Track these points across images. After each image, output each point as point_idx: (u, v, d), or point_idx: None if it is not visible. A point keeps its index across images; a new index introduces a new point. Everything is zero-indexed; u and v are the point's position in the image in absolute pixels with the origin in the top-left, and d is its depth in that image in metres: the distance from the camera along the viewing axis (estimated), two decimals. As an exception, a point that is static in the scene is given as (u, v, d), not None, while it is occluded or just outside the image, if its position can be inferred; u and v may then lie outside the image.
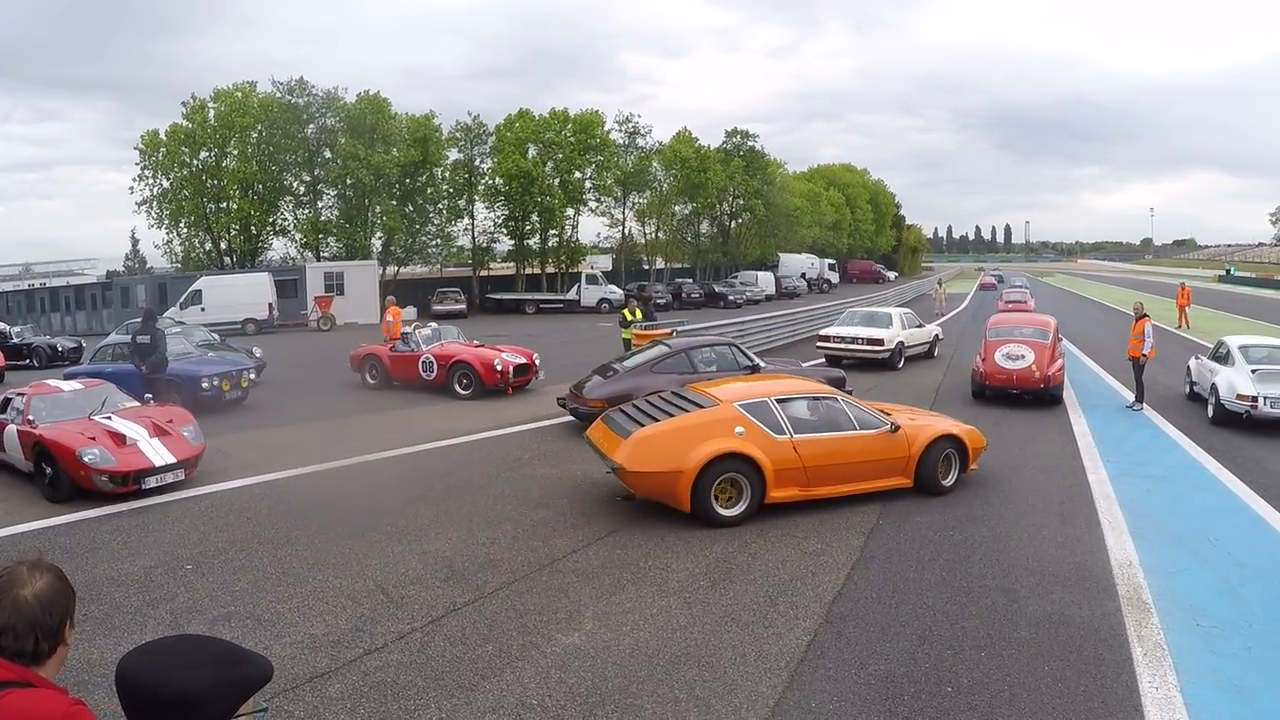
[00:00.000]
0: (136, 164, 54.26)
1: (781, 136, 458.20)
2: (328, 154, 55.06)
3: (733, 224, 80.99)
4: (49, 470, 11.73)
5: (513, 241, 63.82)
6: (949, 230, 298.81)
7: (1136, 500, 12.07)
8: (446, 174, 60.48)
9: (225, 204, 53.78)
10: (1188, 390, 20.58)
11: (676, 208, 74.25)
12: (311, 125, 54.75)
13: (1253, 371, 17.08)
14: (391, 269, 57.82)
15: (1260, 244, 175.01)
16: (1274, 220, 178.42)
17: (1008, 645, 7.44)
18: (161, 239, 55.55)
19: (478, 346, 22.33)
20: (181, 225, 54.38)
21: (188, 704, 2.01)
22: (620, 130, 68.62)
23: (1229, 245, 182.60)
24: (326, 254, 55.00)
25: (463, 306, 52.61)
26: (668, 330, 23.27)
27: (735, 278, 71.83)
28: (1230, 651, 7.38)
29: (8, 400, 13.27)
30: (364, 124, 53.57)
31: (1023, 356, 19.85)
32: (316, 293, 45.23)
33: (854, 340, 25.62)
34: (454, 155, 61.01)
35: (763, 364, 17.81)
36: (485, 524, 10.64)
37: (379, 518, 10.82)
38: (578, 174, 64.84)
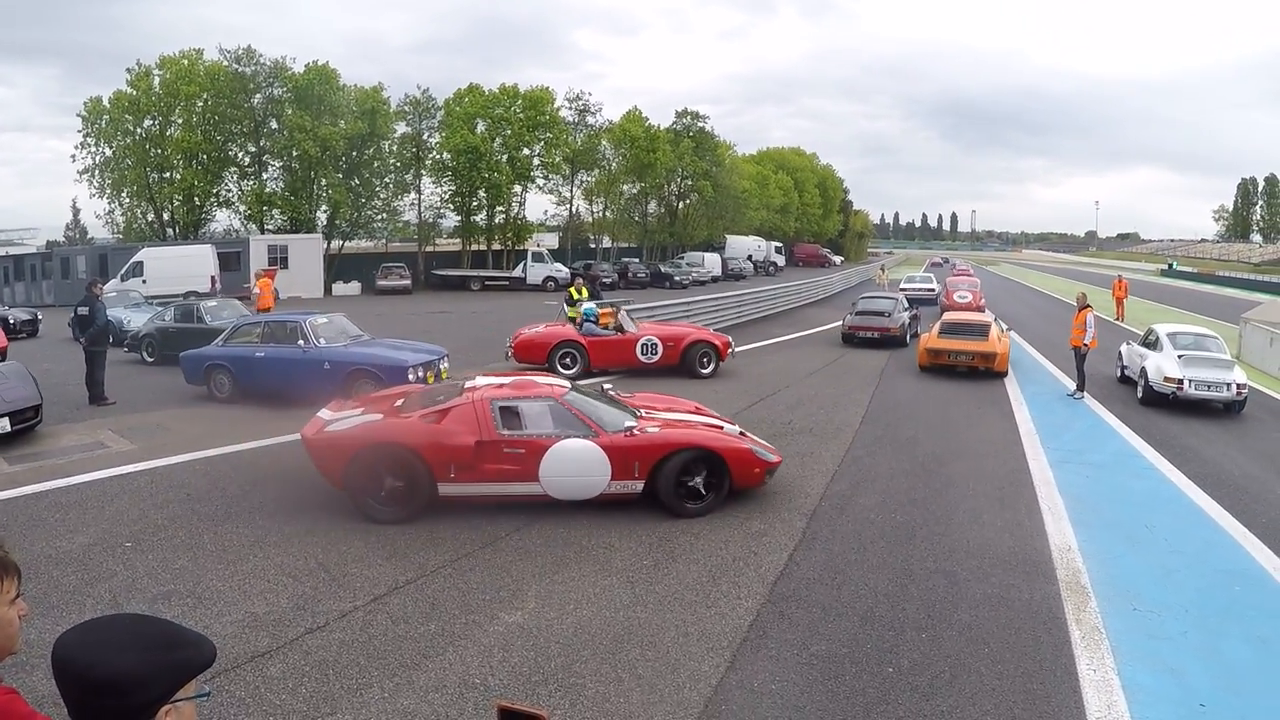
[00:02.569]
0: (79, 131, 53.66)
1: (731, 118, 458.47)
2: (274, 125, 54.48)
3: (680, 205, 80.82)
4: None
5: (459, 217, 63.45)
6: (895, 217, 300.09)
7: (1076, 486, 12.24)
8: (394, 148, 59.95)
9: (169, 174, 52.96)
10: (1119, 374, 21.84)
11: (624, 187, 73.95)
12: (258, 95, 54.03)
13: (1179, 356, 18.51)
14: (336, 243, 57.23)
15: (1203, 240, 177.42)
16: (1216, 217, 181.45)
17: (948, 627, 7.52)
18: (103, 209, 55.05)
19: (675, 325, 23.53)
20: (124, 195, 53.62)
21: (120, 687, 1.95)
22: (570, 108, 68.61)
23: (1172, 240, 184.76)
24: (271, 227, 54.31)
25: (408, 282, 52.30)
26: (613, 309, 23.12)
27: (682, 258, 71.65)
28: (1166, 635, 7.52)
29: None
30: (311, 95, 53.00)
31: (967, 294, 38.58)
32: (260, 266, 44.74)
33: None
34: (402, 129, 60.54)
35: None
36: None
37: (320, 494, 10.70)
38: (526, 151, 64.55)
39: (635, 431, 10.60)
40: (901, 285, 48.99)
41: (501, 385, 11.06)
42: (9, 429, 12.77)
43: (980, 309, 32.83)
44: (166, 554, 8.74)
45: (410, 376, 15.54)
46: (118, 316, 24.31)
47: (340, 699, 6.07)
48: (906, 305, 31.81)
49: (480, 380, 11.37)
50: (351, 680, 6.31)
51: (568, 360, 20.57)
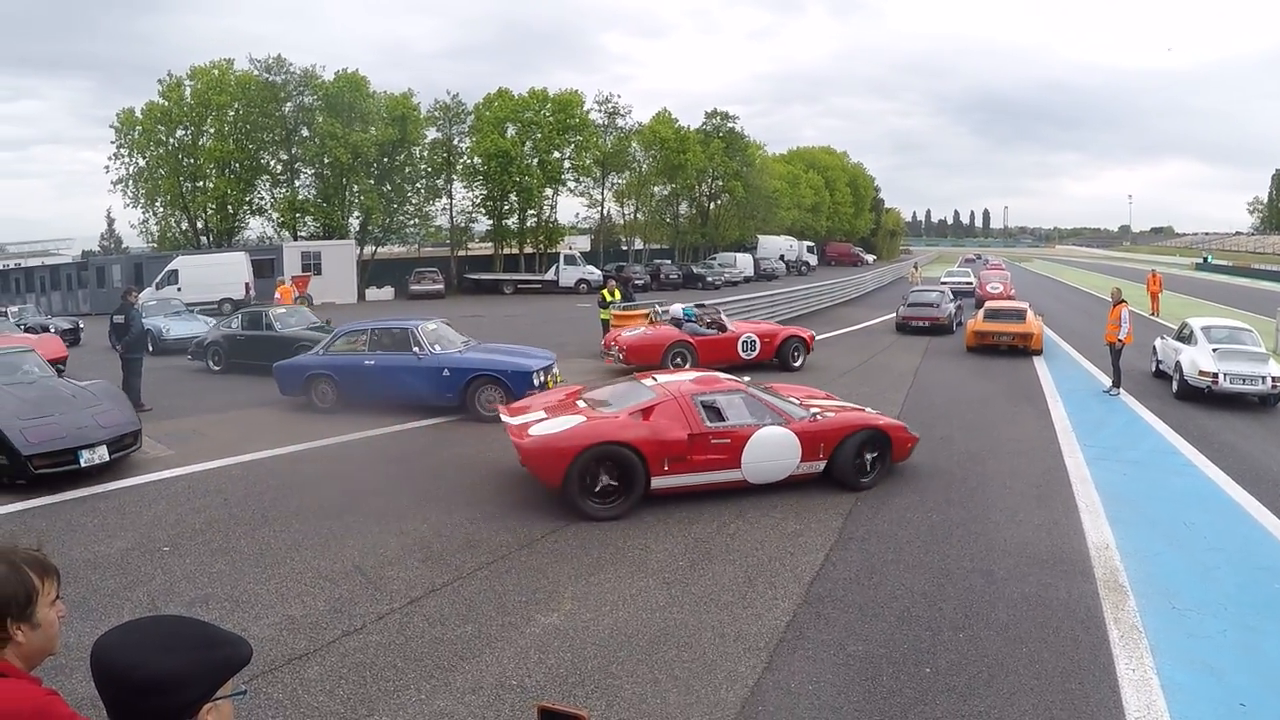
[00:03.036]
0: (112, 142, 54.07)
1: (760, 118, 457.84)
2: (305, 132, 54.69)
3: (711, 205, 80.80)
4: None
5: (491, 221, 63.60)
6: (927, 214, 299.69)
7: (1113, 484, 12.14)
8: (424, 153, 60.16)
9: (202, 183, 53.37)
10: (1154, 368, 21.69)
11: (655, 188, 74.06)
12: (289, 103, 54.31)
13: (1214, 350, 18.42)
14: (369, 249, 57.49)
15: (1237, 233, 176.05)
16: (1251, 210, 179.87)
17: (986, 626, 7.48)
18: (137, 218, 55.33)
19: (764, 322, 25.12)
20: (157, 204, 54.04)
21: (163, 687, 1.97)
22: (599, 110, 68.71)
23: (1206, 233, 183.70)
24: (304, 233, 54.65)
25: (440, 286, 52.44)
26: (646, 311, 23.19)
27: (714, 259, 71.47)
28: (1205, 634, 7.45)
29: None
30: (342, 102, 53.15)
31: (999, 285, 43.10)
32: (294, 272, 44.96)
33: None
34: (432, 134, 60.77)
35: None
36: (464, 504, 10.62)
37: (358, 498, 10.78)
38: (556, 154, 64.69)
39: (818, 416, 11.81)
40: (942, 279, 50.36)
41: (690, 381, 11.89)
42: (108, 458, 11.73)
43: (1011, 299, 35.29)
44: (204, 558, 8.81)
45: (535, 381, 15.69)
46: (157, 325, 24.82)
47: (377, 701, 6.10)
48: (951, 296, 34.93)
49: (661, 378, 12.21)
50: (388, 682, 6.34)
51: (678, 359, 20.96)
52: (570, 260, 58.22)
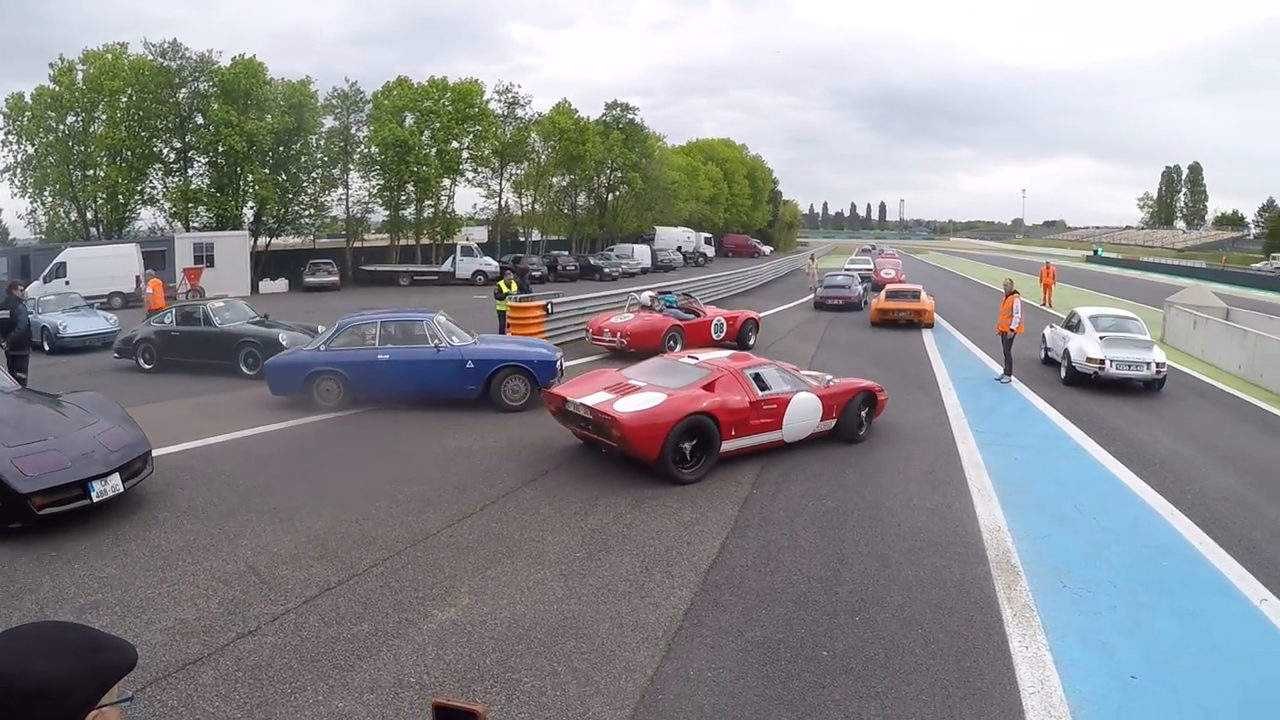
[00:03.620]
0: (0, 129, 52.18)
1: (661, 110, 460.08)
2: (200, 120, 53.12)
3: (610, 196, 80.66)
4: None
5: (387, 212, 62.72)
6: (824, 206, 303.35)
7: (1004, 468, 12.42)
8: (321, 142, 59.12)
9: (92, 172, 51.49)
10: (1042, 356, 22.67)
11: (554, 179, 73.75)
12: (184, 90, 52.83)
13: (1101, 338, 19.20)
14: (263, 240, 56.39)
15: (1128, 227, 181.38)
16: (1141, 205, 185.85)
17: (881, 609, 7.58)
18: (25, 209, 53.52)
19: (726, 310, 27.42)
20: (46, 194, 52.18)
21: (46, 694, 1.89)
22: (499, 100, 68.23)
23: (1097, 227, 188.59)
24: (196, 224, 53.24)
25: (336, 278, 51.63)
26: (542, 302, 23.30)
27: (611, 250, 71.38)
28: (1096, 611, 7.66)
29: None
30: (238, 89, 51.90)
31: (892, 271, 50.66)
32: (186, 264, 43.97)
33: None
34: (329, 123, 59.68)
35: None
36: (359, 500, 10.47)
37: (250, 495, 10.58)
38: (455, 144, 64.08)
39: (830, 382, 14.13)
40: (846, 266, 55.62)
41: (728, 358, 13.67)
42: (121, 488, 9.79)
43: (901, 282, 41.52)
44: (93, 562, 8.55)
45: (557, 370, 16.51)
46: (53, 321, 23.84)
47: (274, 704, 5.99)
48: (860, 280, 42.84)
49: (701, 356, 13.79)
50: (285, 684, 6.23)
51: (672, 342, 22.99)
52: (467, 252, 57.62)
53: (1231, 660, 6.86)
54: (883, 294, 33.89)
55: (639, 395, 11.87)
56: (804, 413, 13.06)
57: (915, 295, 33.01)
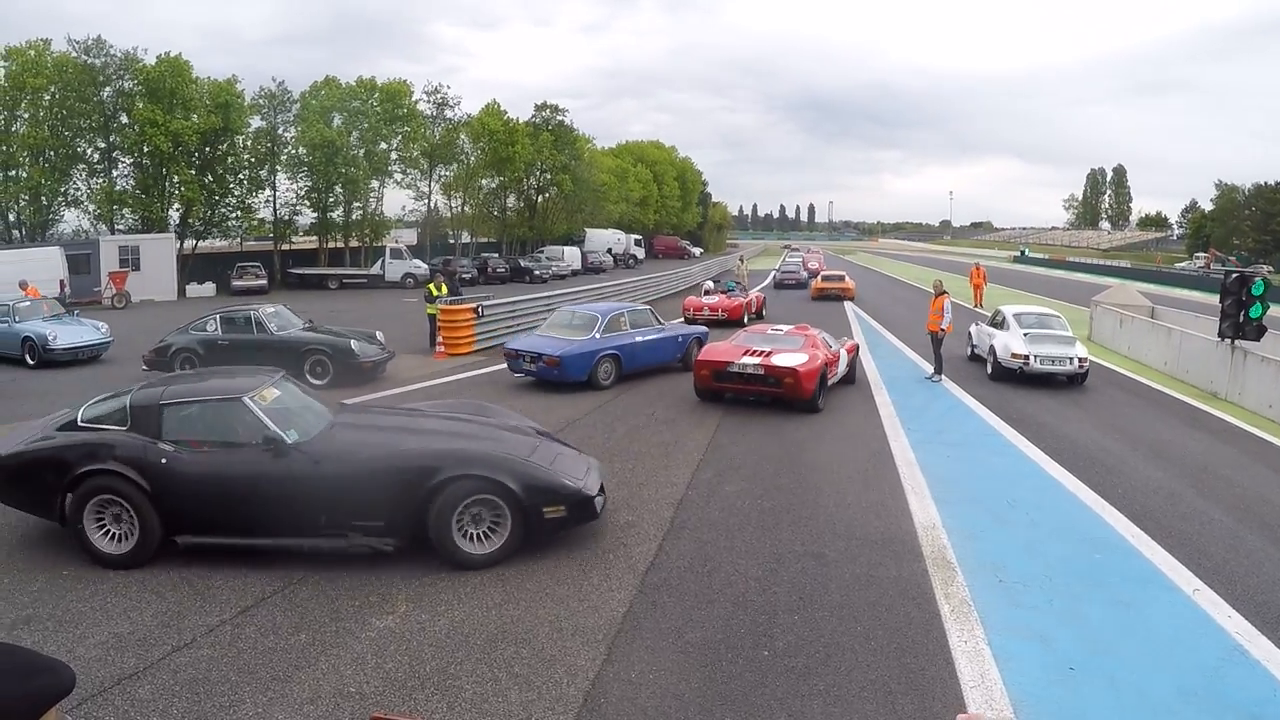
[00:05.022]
0: (-84, 126, 50.49)
1: (591, 112, 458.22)
2: (124, 119, 52.01)
3: (540, 198, 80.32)
4: None
5: (315, 214, 61.78)
6: (754, 208, 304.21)
7: (937, 466, 12.54)
8: (248, 143, 58.02)
9: (14, 172, 50.06)
10: (969, 353, 23.25)
11: (483, 181, 73.48)
12: (108, 88, 51.59)
13: (1025, 334, 19.90)
14: (190, 243, 55.31)
15: (1054, 228, 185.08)
16: (1066, 206, 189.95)
17: (820, 607, 7.62)
18: (-56, 211, 52.13)
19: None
20: (-35, 195, 51.00)
21: None
22: (428, 101, 67.96)
23: (1024, 228, 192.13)
24: (121, 227, 52.14)
25: (264, 282, 50.71)
26: (473, 305, 23.23)
27: (541, 252, 71.13)
28: (1032, 605, 7.76)
29: None
30: (163, 88, 50.69)
31: (814, 263, 68.13)
32: (111, 268, 43.16)
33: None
34: (257, 123, 58.51)
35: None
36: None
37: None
38: (383, 145, 63.58)
39: (846, 342, 19.87)
40: (787, 261, 67.70)
41: (795, 327, 18.97)
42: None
43: (829, 272, 54.22)
44: (21, 576, 8.37)
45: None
46: (39, 331, 22.13)
47: (213, 717, 5.91)
48: (806, 269, 61.04)
49: (782, 327, 19.17)
50: (223, 697, 6.13)
51: (750, 315, 33.03)
52: (396, 254, 57.09)
53: (1167, 649, 6.99)
54: (819, 278, 50.32)
55: (784, 355, 16.31)
56: (844, 362, 18.39)
57: (841, 278, 48.34)
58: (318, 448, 8.74)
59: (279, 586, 8.08)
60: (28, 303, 24.00)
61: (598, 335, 18.80)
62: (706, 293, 34.60)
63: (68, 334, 22.53)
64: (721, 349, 17.18)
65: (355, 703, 6.05)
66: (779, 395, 16.09)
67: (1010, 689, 6.24)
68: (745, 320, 30.54)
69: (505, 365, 19.46)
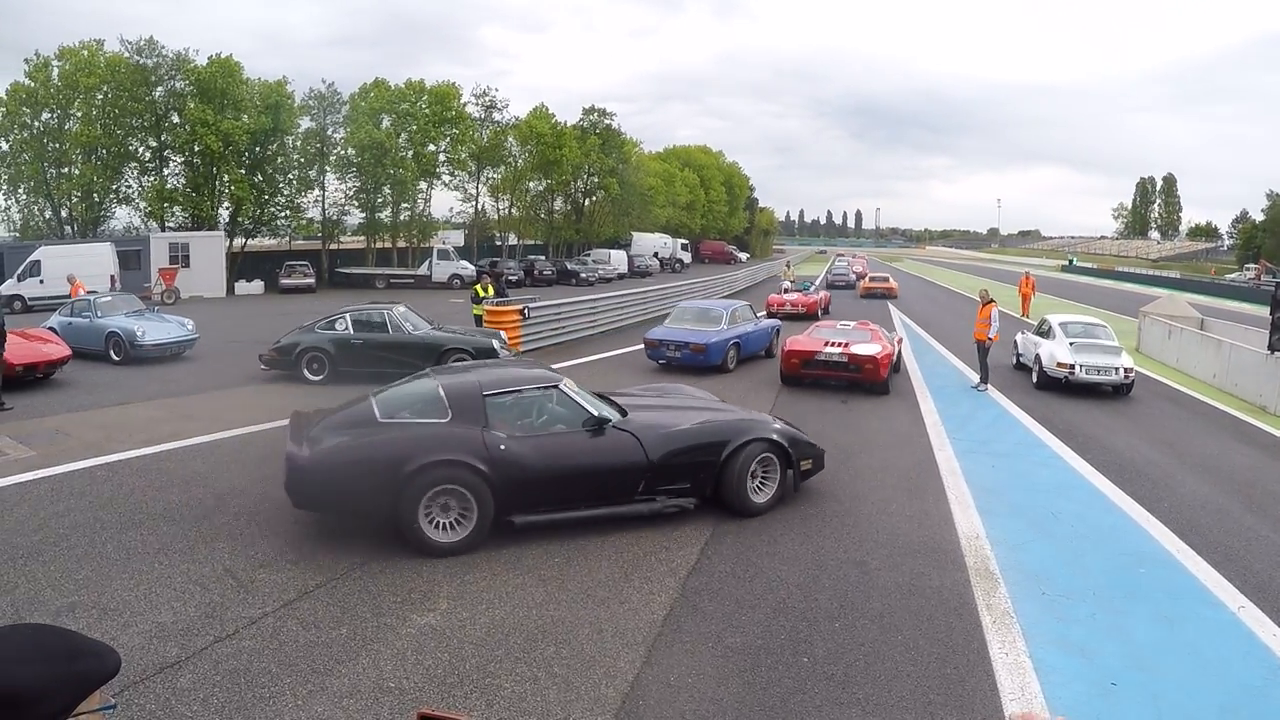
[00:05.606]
0: (-27, 125, 51.39)
1: (639, 116, 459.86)
2: (175, 119, 52.60)
3: (587, 202, 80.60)
4: None
5: (364, 214, 62.25)
6: (801, 214, 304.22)
7: (982, 476, 12.45)
8: (298, 143, 58.55)
9: (67, 169, 50.95)
10: (1014, 361, 23.22)
11: (531, 184, 73.80)
12: (160, 88, 52.25)
13: (1070, 344, 19.83)
14: (239, 241, 55.91)
15: (1102, 237, 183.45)
16: (1115, 215, 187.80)
17: (861, 616, 7.59)
18: (-1, 206, 53.00)
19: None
20: (20, 191, 51.54)
21: (17, 701, 1.84)
22: (476, 104, 68.11)
23: (1072, 237, 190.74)
24: (172, 224, 52.83)
25: (311, 280, 51.24)
26: (519, 307, 23.40)
27: (588, 255, 71.41)
28: (1075, 617, 7.69)
29: None
30: (214, 88, 51.36)
31: (859, 265, 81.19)
32: (161, 264, 43.67)
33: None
34: (306, 124, 59.04)
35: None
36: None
37: (226, 498, 10.51)
38: (431, 147, 63.84)
39: (895, 335, 23.89)
40: (836, 264, 78.60)
41: (859, 322, 21.95)
42: None
43: (875, 274, 63.42)
44: (69, 564, 8.47)
45: None
46: (126, 326, 21.82)
47: (252, 708, 5.95)
48: (853, 272, 68.60)
49: (849, 322, 21.89)
50: (264, 689, 6.19)
51: (822, 311, 38.55)
52: (443, 255, 57.36)
53: (1211, 666, 6.90)
54: (867, 278, 58.88)
55: (861, 345, 19.40)
56: (897, 360, 21.26)
57: (886, 279, 57.05)
58: (631, 426, 9.93)
59: (322, 581, 8.15)
60: (108, 297, 23.86)
61: (725, 327, 22.32)
62: (785, 291, 40.63)
63: (155, 330, 22.29)
64: (805, 341, 19.96)
65: (395, 698, 6.09)
66: (858, 379, 19.04)
67: (1051, 702, 6.19)
68: (819, 314, 35.86)
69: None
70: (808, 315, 35.04)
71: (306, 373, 19.37)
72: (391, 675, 6.41)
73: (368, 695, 6.13)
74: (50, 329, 21.36)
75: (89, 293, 25.48)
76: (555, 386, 10.04)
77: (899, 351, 22.18)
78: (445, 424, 9.22)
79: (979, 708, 6.15)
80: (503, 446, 9.07)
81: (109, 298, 24.05)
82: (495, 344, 19.84)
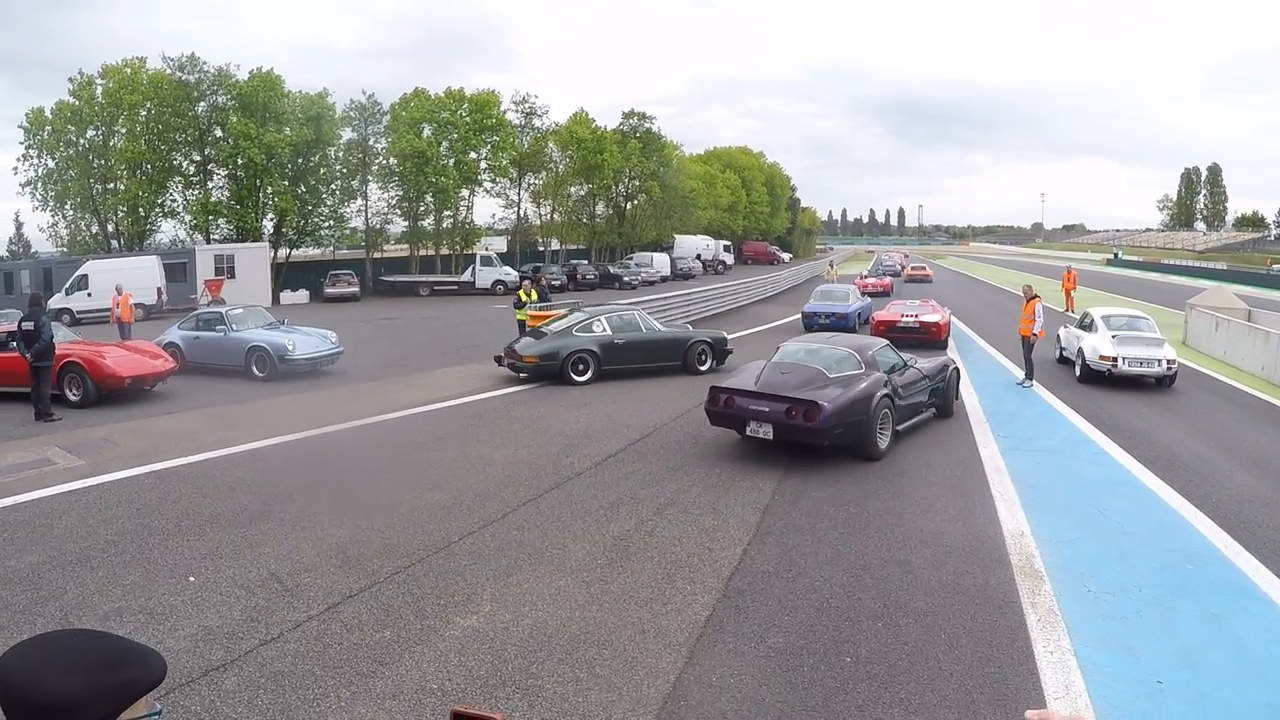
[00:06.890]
0: (21, 143, 52.09)
1: (679, 119, 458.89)
2: (218, 133, 53.23)
3: (628, 205, 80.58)
4: None
5: (406, 223, 62.60)
6: (843, 213, 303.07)
7: (1027, 473, 12.36)
8: (340, 154, 59.03)
9: (112, 185, 51.85)
10: (1057, 355, 23.43)
11: (572, 189, 73.82)
12: (202, 103, 52.93)
13: (1113, 336, 19.92)
14: (283, 251, 56.48)
15: (1147, 229, 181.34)
16: (1160, 207, 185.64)
17: (904, 615, 7.55)
18: (47, 222, 53.71)
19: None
20: (67, 207, 52.46)
21: (60, 709, 1.85)
22: (516, 110, 68.21)
23: (1117, 230, 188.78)
24: (217, 236, 53.49)
25: (356, 289, 51.70)
26: (563, 311, 23.59)
27: (630, 259, 71.27)
28: (1121, 615, 7.60)
29: None
30: (256, 102, 51.93)
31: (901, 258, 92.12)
32: (206, 276, 44.16)
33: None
34: (348, 135, 59.54)
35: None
36: (380, 508, 10.49)
37: (272, 504, 10.61)
38: (473, 154, 63.95)
39: (946, 310, 29.81)
40: (885, 262, 79.01)
41: (922, 300, 30.67)
42: None
43: (915, 265, 78.38)
44: (116, 570, 8.57)
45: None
46: (275, 341, 20.96)
47: (297, 710, 5.99)
48: (899, 264, 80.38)
49: (914, 300, 29.95)
50: (308, 691, 6.23)
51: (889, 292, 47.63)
52: (486, 261, 57.57)
53: (1259, 664, 6.81)
54: (909, 267, 75.05)
55: (927, 314, 27.17)
56: (950, 326, 27.85)
57: (923, 268, 73.65)
58: (915, 369, 15.36)
59: (366, 585, 8.19)
60: (239, 309, 22.83)
61: (851, 302, 32.00)
62: (864, 276, 55.22)
63: (305, 343, 21.30)
64: (887, 314, 27.80)
65: (437, 699, 6.11)
66: (925, 339, 25.49)
67: (1095, 701, 6.13)
68: (890, 294, 44.51)
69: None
70: (883, 293, 46.46)
71: (573, 374, 20.19)
72: (434, 677, 6.43)
73: (410, 696, 6.15)
74: (171, 344, 21.26)
75: (208, 304, 25.32)
76: (885, 346, 15.31)
77: (950, 319, 29.17)
78: (876, 374, 13.67)
79: (1022, 706, 6.07)
80: (900, 385, 14.17)
81: (239, 310, 23.00)
82: (726, 334, 23.79)
